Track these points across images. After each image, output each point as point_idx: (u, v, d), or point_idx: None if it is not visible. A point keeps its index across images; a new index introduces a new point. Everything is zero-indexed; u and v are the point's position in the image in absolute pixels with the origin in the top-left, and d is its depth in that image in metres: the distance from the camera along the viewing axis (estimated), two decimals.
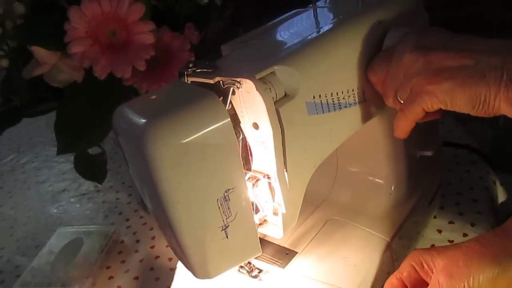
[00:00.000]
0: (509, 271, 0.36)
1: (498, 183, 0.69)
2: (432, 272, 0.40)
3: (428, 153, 0.54)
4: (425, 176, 0.57)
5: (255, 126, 0.36)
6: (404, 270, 0.42)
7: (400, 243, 0.51)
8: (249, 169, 0.39)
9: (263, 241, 0.49)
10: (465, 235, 0.58)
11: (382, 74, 0.42)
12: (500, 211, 0.65)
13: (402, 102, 0.40)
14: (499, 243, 0.37)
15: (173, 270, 0.52)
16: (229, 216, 0.36)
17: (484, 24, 0.78)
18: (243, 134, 0.38)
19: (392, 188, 0.53)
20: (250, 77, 0.34)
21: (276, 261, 0.48)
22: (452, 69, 0.37)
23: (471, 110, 0.37)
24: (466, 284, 0.36)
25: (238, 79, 0.35)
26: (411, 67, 0.39)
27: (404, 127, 0.41)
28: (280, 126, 0.36)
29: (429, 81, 0.38)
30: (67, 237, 0.71)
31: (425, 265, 0.41)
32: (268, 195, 0.39)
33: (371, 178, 0.54)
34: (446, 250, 0.40)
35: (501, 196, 0.69)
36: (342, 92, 0.41)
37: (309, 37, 0.41)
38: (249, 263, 0.47)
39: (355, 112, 0.43)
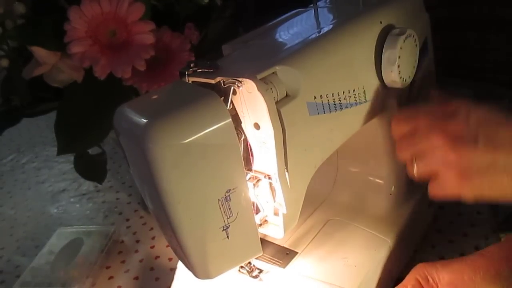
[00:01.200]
0: None
1: None
2: (437, 286, 0.40)
3: None
4: None
5: (256, 126, 0.36)
6: (408, 283, 0.42)
7: (400, 243, 0.51)
8: (250, 169, 0.39)
9: (264, 241, 0.49)
10: (465, 235, 0.58)
11: (404, 129, 0.42)
12: (500, 211, 0.65)
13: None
14: (504, 257, 0.38)
15: (173, 270, 0.52)
16: (230, 216, 0.35)
17: (484, 24, 0.78)
18: (244, 134, 0.38)
19: (393, 188, 0.53)
20: (252, 77, 0.34)
21: (277, 261, 0.48)
22: (481, 170, 0.37)
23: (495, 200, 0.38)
24: None
25: (240, 79, 0.35)
26: (439, 151, 0.39)
27: None
28: (281, 126, 0.36)
29: (459, 178, 0.38)
30: (67, 237, 0.71)
31: (430, 279, 0.40)
32: (269, 195, 0.39)
33: (371, 178, 0.54)
34: (451, 263, 0.40)
35: None
36: (343, 92, 0.41)
37: (311, 37, 0.41)
38: (250, 263, 0.47)
39: (356, 112, 0.43)
